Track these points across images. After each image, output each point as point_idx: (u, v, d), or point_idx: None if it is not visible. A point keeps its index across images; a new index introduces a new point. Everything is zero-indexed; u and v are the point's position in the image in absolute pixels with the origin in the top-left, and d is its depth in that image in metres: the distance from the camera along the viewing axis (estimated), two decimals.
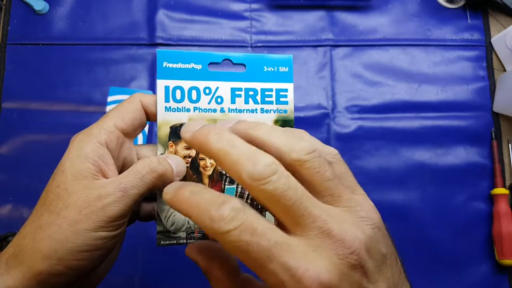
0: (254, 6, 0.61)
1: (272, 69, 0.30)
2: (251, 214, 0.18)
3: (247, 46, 0.59)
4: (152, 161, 0.26)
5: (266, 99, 0.30)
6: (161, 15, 0.60)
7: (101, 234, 0.23)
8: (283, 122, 0.30)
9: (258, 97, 0.30)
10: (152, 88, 0.58)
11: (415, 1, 0.62)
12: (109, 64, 0.58)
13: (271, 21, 0.61)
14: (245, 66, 0.30)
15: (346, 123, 0.58)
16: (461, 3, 0.62)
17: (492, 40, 0.60)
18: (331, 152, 0.22)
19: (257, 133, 0.21)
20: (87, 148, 0.25)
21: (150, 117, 0.28)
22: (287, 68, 0.30)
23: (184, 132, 0.22)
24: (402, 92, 0.59)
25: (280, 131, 0.21)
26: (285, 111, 0.30)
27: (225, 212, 0.18)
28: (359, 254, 0.19)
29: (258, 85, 0.30)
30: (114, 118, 0.26)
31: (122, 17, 0.59)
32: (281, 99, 0.30)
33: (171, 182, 0.27)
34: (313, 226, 0.19)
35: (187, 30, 0.60)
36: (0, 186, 0.54)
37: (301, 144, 0.20)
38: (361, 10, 0.62)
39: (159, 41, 0.59)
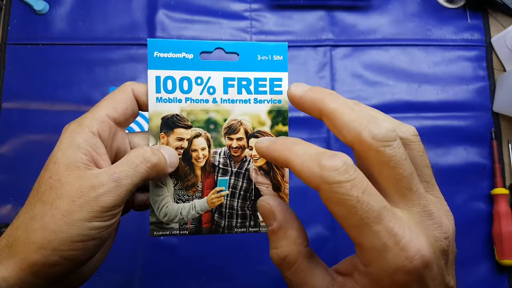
0: (254, 6, 0.61)
1: (266, 58, 0.29)
2: (362, 174, 0.18)
3: None
4: (146, 150, 0.25)
5: (260, 89, 0.29)
6: (161, 15, 0.60)
7: (95, 224, 0.23)
8: (277, 113, 0.29)
9: (252, 87, 0.29)
10: None
11: (415, 1, 0.62)
12: (109, 64, 0.58)
13: (271, 21, 0.61)
14: (238, 55, 0.29)
15: None
16: (461, 3, 0.62)
17: (492, 40, 0.60)
18: (409, 130, 0.22)
19: (331, 106, 0.20)
20: (79, 138, 0.24)
21: (142, 107, 0.28)
22: (281, 56, 0.29)
23: (294, 89, 0.23)
24: (402, 92, 0.59)
25: (352, 107, 0.20)
26: (279, 101, 0.29)
27: (338, 164, 0.18)
28: (450, 242, 0.19)
29: (252, 75, 0.29)
30: (106, 108, 0.26)
31: (122, 17, 0.59)
32: (275, 89, 0.29)
33: (165, 173, 0.27)
34: (418, 203, 0.19)
35: (187, 30, 0.60)
36: (0, 186, 0.54)
37: (380, 126, 0.19)
38: (361, 10, 0.62)
39: None
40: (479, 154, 0.58)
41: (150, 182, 0.28)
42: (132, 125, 0.56)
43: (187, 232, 0.29)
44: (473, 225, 0.55)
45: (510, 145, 0.58)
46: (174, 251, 0.53)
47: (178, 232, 0.29)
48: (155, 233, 0.29)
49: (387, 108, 0.58)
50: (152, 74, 0.28)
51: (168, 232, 0.29)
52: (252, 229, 0.30)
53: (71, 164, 0.24)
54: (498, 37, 0.59)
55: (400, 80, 0.60)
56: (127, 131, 0.29)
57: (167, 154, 0.27)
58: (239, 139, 0.29)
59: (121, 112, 0.26)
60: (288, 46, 0.60)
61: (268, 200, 0.22)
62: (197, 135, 0.29)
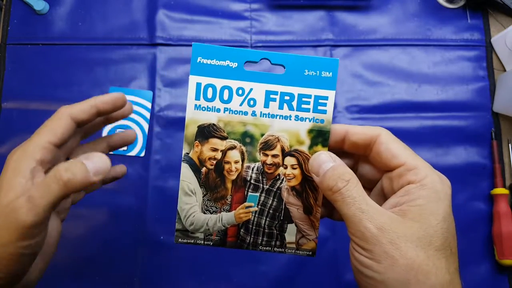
0: (254, 6, 0.61)
1: (314, 73, 0.27)
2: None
3: (247, 46, 0.59)
4: (60, 169, 0.25)
5: (303, 106, 0.28)
6: (161, 15, 0.60)
7: (21, 243, 0.25)
8: (318, 133, 0.28)
9: (294, 103, 0.28)
10: (152, 88, 0.58)
11: (415, 1, 0.62)
12: (109, 64, 0.58)
13: (271, 21, 0.61)
14: (284, 67, 0.28)
15: (346, 123, 0.57)
16: (461, 3, 0.62)
17: (492, 40, 0.60)
18: None
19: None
20: (22, 166, 0.26)
21: (106, 113, 0.30)
22: (330, 73, 0.27)
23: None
24: (402, 92, 0.59)
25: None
26: (322, 120, 0.28)
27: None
28: None
29: (296, 90, 0.27)
30: (46, 135, 0.28)
31: (122, 17, 0.59)
32: (319, 108, 0.28)
33: (86, 184, 0.26)
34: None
35: (187, 30, 0.60)
36: None
37: None
38: (361, 10, 0.62)
39: (159, 41, 0.59)
40: (479, 154, 0.58)
41: (180, 189, 0.28)
42: (132, 125, 0.56)
43: (212, 243, 0.29)
44: (473, 225, 0.55)
45: (510, 145, 0.58)
46: (174, 251, 0.52)
47: (202, 242, 0.29)
48: (179, 240, 0.29)
49: (387, 108, 0.58)
50: (193, 80, 0.27)
51: (192, 241, 0.29)
52: (278, 249, 0.29)
53: (9, 190, 0.25)
54: (498, 37, 0.59)
55: (400, 80, 0.60)
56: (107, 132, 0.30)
57: (93, 163, 0.26)
58: (274, 156, 0.28)
59: (60, 137, 0.28)
60: (288, 46, 0.60)
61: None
62: (232, 147, 0.28)
